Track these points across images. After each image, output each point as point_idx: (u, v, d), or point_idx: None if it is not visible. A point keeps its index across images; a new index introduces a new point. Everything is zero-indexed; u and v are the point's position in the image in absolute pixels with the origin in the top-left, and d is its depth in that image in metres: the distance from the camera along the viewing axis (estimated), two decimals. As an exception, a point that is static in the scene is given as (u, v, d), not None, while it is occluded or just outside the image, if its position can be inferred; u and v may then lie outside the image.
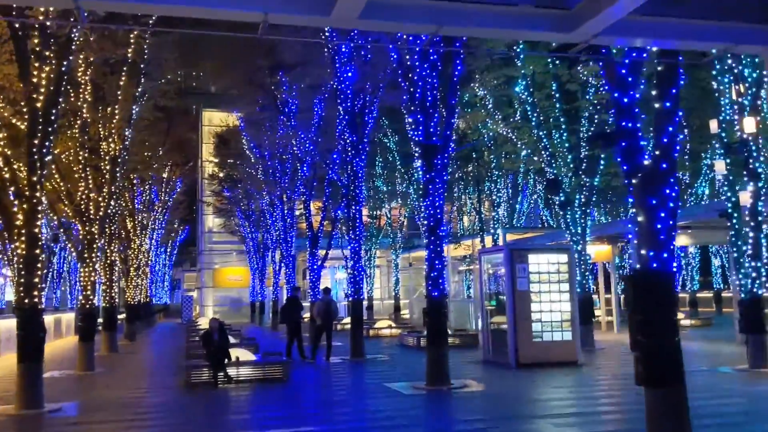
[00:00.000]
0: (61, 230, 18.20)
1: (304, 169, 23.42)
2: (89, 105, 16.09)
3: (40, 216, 10.29)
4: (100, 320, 23.21)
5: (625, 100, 6.79)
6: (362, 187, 18.10)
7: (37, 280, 10.19)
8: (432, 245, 12.14)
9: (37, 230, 10.25)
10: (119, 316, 29.87)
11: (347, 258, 39.25)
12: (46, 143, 10.41)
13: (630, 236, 6.58)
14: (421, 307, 38.91)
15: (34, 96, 10.20)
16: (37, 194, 10.25)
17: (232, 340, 16.09)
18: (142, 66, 17.21)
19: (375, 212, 39.27)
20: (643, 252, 6.38)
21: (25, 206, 10.19)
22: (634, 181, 6.57)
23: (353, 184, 17.82)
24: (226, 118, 41.64)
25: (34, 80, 10.20)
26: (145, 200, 31.21)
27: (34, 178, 10.22)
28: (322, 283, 22.92)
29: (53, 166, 16.56)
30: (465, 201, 33.09)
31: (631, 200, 6.59)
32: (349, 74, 17.32)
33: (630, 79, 6.82)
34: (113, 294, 22.00)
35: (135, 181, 28.97)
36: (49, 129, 10.48)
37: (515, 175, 31.88)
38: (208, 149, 49.64)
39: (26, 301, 10.05)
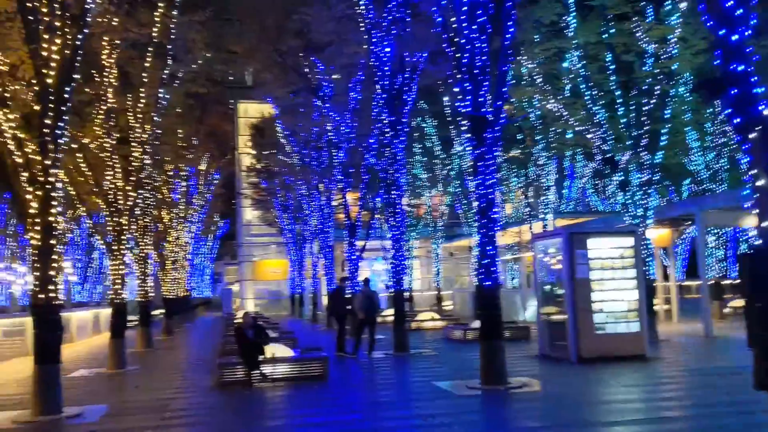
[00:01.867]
0: (90, 222, 17.44)
1: (340, 155, 22.33)
2: (115, 90, 15.26)
3: (54, 203, 9.40)
4: (135, 316, 22.62)
5: (734, 37, 5.47)
6: (402, 171, 16.92)
7: (53, 273, 9.32)
8: (483, 229, 10.91)
9: (52, 219, 9.37)
10: (156, 311, 29.42)
11: (384, 248, 38.53)
12: (60, 124, 9.51)
13: (748, 206, 5.21)
14: (463, 298, 37.70)
15: (45, 71, 9.30)
16: (51, 179, 9.37)
17: (270, 334, 15.16)
18: (168, 47, 16.32)
19: (414, 201, 38.11)
20: (765, 224, 5.08)
21: (39, 193, 9.32)
22: (751, 136, 5.26)
23: (392, 168, 16.66)
24: (261, 109, 40.99)
25: (44, 54, 9.29)
26: (182, 192, 30.59)
27: (47, 162, 9.33)
28: (361, 274, 21.85)
29: (79, 155, 15.84)
30: (510, 186, 31.57)
31: (748, 159, 5.28)
32: (387, 50, 16.14)
33: (739, 11, 5.49)
34: (147, 288, 21.35)
35: (171, 173, 28.37)
36: (63, 108, 9.58)
37: (560, 159, 30.34)
38: (244, 141, 49.15)
39: (41, 296, 9.19)
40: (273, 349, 12.32)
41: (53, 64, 9.36)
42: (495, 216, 11.01)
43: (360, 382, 12.42)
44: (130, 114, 16.06)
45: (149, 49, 15.55)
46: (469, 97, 10.94)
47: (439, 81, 20.21)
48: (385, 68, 16.39)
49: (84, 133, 16.90)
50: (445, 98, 29.20)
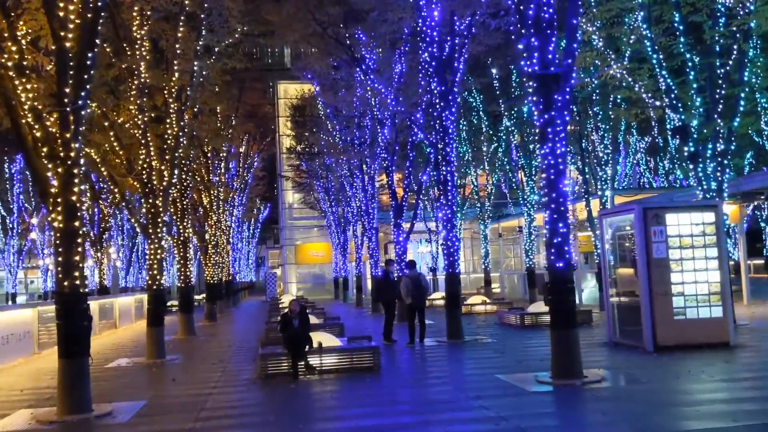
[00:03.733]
0: (124, 203, 16.70)
1: (385, 132, 21.16)
2: (147, 64, 14.38)
3: (77, 181, 8.50)
4: (174, 302, 22.02)
5: None
6: (453, 145, 15.67)
7: (77, 258, 8.45)
8: (553, 204, 9.65)
9: (75, 198, 8.48)
10: (199, 296, 28.91)
11: (428, 230, 37.34)
12: (82, 93, 8.58)
13: None
14: (511, 281, 36.32)
15: (62, 33, 8.36)
16: (72, 154, 8.46)
17: (314, 320, 14.23)
18: (203, 16, 15.35)
19: (460, 181, 36.77)
20: None
21: (59, 170, 8.43)
22: None
23: (443, 142, 15.45)
24: (301, 89, 40.07)
25: (61, 14, 8.35)
26: (221, 174, 29.88)
27: (68, 135, 8.42)
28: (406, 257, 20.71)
29: (111, 134, 15.05)
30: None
31: None
32: (435, 14, 14.87)
33: None
34: (188, 273, 20.67)
35: (210, 155, 27.63)
36: (85, 77, 8.65)
37: (614, 134, 28.54)
38: (284, 122, 48.45)
39: (65, 283, 8.34)
40: (319, 338, 11.36)
41: (72, 26, 8.41)
42: (565, 189, 9.74)
43: (414, 374, 11.34)
44: (164, 90, 15.16)
45: (182, 18, 14.59)
46: (536, 54, 9.65)
47: (488, 48, 18.79)
48: (434, 33, 15.15)
49: (118, 112, 16.14)
50: (493, 70, 27.72)
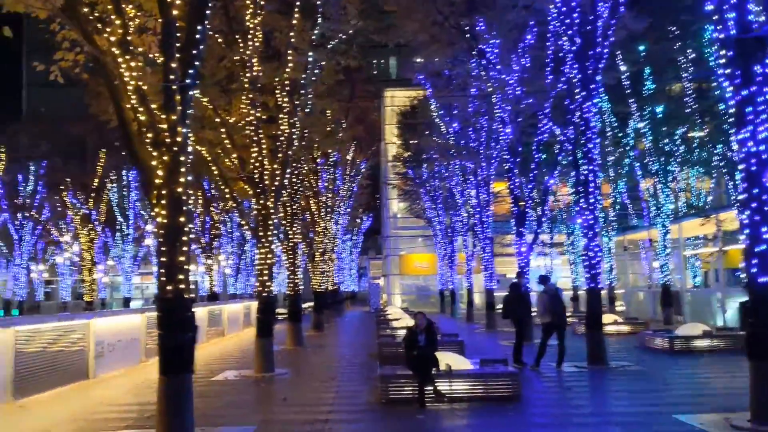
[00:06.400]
0: (235, 204, 15.87)
1: (507, 131, 19.34)
2: (260, 56, 13.45)
3: (183, 170, 7.40)
4: (282, 310, 21.16)
5: None
6: (596, 141, 13.70)
7: (182, 258, 7.32)
8: (755, 203, 7.62)
9: (180, 190, 7.37)
10: (304, 305, 28.09)
11: (544, 243, 34.98)
12: (189, 71, 7.50)
13: None
14: (637, 298, 33.24)
15: (169, 0, 7.32)
16: (179, 139, 7.37)
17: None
18: (318, 3, 14.28)
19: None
20: None
21: (164, 158, 7.36)
22: None
23: (583, 136, 13.53)
24: (409, 95, 39.01)
25: (168, -21, 7.31)
26: (329, 179, 29.06)
27: (174, 117, 7.34)
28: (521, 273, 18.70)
29: (223, 131, 14.22)
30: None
31: None
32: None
33: None
34: (297, 280, 19.71)
35: (319, 162, 26.84)
36: (193, 52, 7.57)
37: None
38: (390, 130, 47.55)
39: (168, 287, 7.22)
40: (445, 358, 9.78)
41: (180, -4, 7.36)
42: (768, 184, 7.67)
43: (565, 408, 9.45)
44: (277, 84, 14.19)
45: (297, 4, 13.56)
46: (733, 15, 7.68)
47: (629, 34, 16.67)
48: (573, 14, 13.33)
49: (229, 111, 15.39)
50: (622, 67, 25.22)
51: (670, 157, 24.72)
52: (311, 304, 28.94)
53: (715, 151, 25.08)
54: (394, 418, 8.54)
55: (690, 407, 8.69)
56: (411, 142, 37.56)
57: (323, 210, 27.96)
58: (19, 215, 43.90)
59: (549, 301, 12.69)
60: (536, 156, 19.35)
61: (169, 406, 7.10)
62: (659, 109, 25.10)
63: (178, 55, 7.37)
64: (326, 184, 28.62)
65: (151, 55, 8.83)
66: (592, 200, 13.40)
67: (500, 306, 27.47)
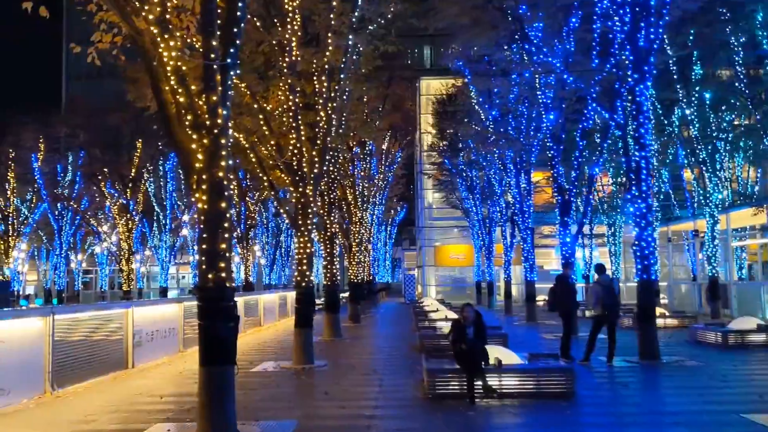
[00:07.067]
0: (273, 193, 15.59)
1: (551, 117, 18.69)
2: (298, 41, 13.08)
3: (224, 153, 7.07)
4: (319, 301, 20.92)
5: None
6: (648, 126, 13.04)
7: (224, 246, 7.01)
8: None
9: (221, 174, 7.05)
10: (342, 295, 27.88)
11: (583, 234, 34.14)
12: (231, 50, 7.17)
13: None
14: (680, 291, 32.21)
15: (208, -26, 6.99)
16: (219, 121, 7.04)
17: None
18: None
19: (617, 179, 33.29)
20: None
21: (205, 141, 7.05)
22: None
23: (635, 121, 12.89)
24: (446, 83, 38.36)
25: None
26: (365, 168, 28.69)
27: (214, 98, 7.02)
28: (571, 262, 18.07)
29: (261, 118, 13.90)
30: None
31: None
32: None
33: None
34: (335, 270, 19.42)
35: (354, 152, 26.48)
36: (234, 30, 7.24)
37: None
38: (426, 119, 46.98)
39: (209, 276, 6.92)
40: (494, 352, 9.34)
41: (220, -32, 7.01)
42: None
43: (624, 407, 8.86)
44: (315, 69, 13.82)
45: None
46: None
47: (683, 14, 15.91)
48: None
49: (267, 99, 15.07)
50: (669, 51, 24.24)
51: (720, 144, 23.72)
52: (345, 294, 28.72)
53: (766, 140, 24.02)
54: (442, 414, 8.13)
55: (757, 406, 8.11)
56: (447, 131, 36.92)
57: (360, 200, 27.62)
58: (59, 205, 44.53)
59: (603, 293, 12.14)
60: (580, 143, 18.68)
61: (212, 399, 6.81)
62: (707, 95, 24.12)
63: (218, 32, 7.03)
64: (362, 173, 28.26)
65: (189, 40, 8.53)
66: (644, 188, 12.77)
67: (541, 298, 27.00)
